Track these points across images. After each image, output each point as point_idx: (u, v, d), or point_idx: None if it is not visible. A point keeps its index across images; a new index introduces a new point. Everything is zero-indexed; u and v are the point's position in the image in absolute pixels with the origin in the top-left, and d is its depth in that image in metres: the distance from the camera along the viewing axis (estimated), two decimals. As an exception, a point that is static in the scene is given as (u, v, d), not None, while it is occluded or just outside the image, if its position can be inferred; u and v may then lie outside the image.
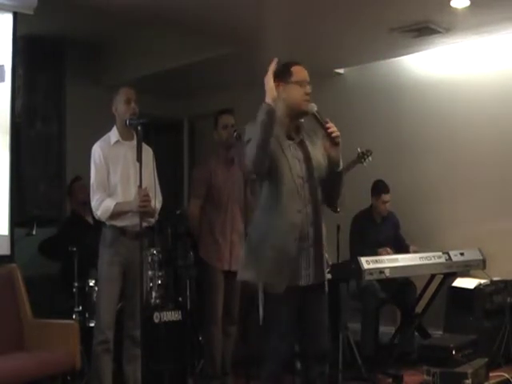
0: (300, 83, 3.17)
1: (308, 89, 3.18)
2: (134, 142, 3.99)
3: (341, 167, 3.16)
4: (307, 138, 3.23)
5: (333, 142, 3.07)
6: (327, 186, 3.19)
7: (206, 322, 4.62)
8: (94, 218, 4.31)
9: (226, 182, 4.63)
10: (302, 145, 3.20)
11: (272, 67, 3.07)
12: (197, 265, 4.90)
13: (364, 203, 5.66)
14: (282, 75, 3.17)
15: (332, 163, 3.13)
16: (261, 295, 3.15)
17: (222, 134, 4.62)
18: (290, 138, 3.18)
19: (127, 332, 4.02)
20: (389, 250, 5.30)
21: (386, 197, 5.51)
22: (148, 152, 4.12)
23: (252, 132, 3.04)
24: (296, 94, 3.16)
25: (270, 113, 2.99)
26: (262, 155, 2.98)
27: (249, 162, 3.01)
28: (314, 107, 3.14)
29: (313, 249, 3.14)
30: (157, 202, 4.02)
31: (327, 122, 3.10)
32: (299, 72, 3.20)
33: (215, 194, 4.61)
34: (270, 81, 3.05)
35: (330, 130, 3.07)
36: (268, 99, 3.04)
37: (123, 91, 4.09)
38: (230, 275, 4.59)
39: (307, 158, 3.17)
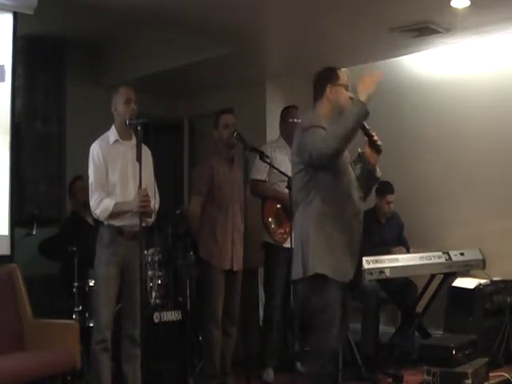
0: (346, 87, 3.40)
1: (351, 94, 3.36)
2: (133, 142, 3.99)
3: (379, 174, 3.45)
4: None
5: (377, 149, 3.37)
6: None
7: (205, 322, 4.62)
8: (94, 218, 4.31)
9: (227, 181, 4.62)
10: None
11: (381, 76, 3.25)
12: (197, 264, 4.89)
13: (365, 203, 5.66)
14: (330, 77, 3.39)
15: (370, 169, 3.40)
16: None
17: (223, 133, 4.62)
18: None
19: (126, 332, 4.02)
20: (403, 249, 5.32)
21: (390, 197, 5.53)
22: (146, 152, 4.11)
23: (315, 120, 3.25)
24: (342, 96, 3.37)
25: (366, 113, 3.18)
26: (345, 146, 3.20)
27: (330, 149, 3.14)
28: None
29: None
30: (155, 203, 4.02)
31: (370, 130, 3.35)
32: (344, 76, 3.43)
33: (216, 192, 4.59)
34: (373, 86, 3.21)
35: (375, 138, 3.36)
36: (365, 100, 3.19)
37: (122, 91, 4.09)
38: (231, 274, 4.58)
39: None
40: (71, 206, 5.59)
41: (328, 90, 3.36)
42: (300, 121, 3.48)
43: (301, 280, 3.27)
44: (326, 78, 3.39)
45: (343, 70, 3.50)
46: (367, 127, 3.35)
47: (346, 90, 3.39)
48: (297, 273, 3.30)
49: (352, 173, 3.38)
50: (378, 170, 3.43)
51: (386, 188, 5.51)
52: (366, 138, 3.39)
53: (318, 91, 3.41)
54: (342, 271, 3.25)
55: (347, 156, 3.41)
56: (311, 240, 3.23)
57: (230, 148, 4.66)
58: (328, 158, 3.18)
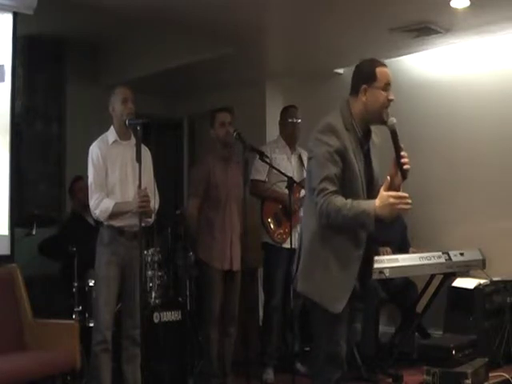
0: (384, 87, 2.97)
1: (391, 95, 2.99)
2: (132, 142, 3.99)
3: None
4: (372, 147, 3.08)
5: (403, 174, 2.93)
6: None
7: (204, 323, 4.61)
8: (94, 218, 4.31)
9: (225, 181, 4.60)
10: (367, 155, 3.05)
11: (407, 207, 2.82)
12: (196, 265, 4.89)
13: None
14: (368, 77, 2.97)
15: (392, 189, 2.91)
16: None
17: (219, 131, 4.59)
18: (360, 144, 3.01)
19: (126, 332, 4.03)
20: (388, 250, 5.31)
21: None
22: (146, 152, 4.11)
23: (329, 129, 2.93)
24: (378, 99, 2.97)
25: (369, 226, 2.88)
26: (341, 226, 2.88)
27: (327, 219, 2.83)
28: (393, 121, 2.96)
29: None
30: (155, 203, 4.02)
31: (402, 149, 2.94)
32: (384, 74, 2.98)
33: (213, 192, 4.57)
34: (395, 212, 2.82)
35: (403, 161, 2.92)
36: (380, 215, 2.82)
37: (120, 91, 4.09)
38: (230, 275, 4.58)
39: (369, 174, 3.05)
40: (72, 206, 5.59)
41: (363, 90, 2.96)
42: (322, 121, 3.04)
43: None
44: (362, 77, 2.98)
45: (385, 65, 3.00)
46: (397, 138, 2.95)
47: (385, 90, 2.96)
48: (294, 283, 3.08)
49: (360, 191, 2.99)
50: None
51: None
52: (394, 155, 2.96)
53: (354, 88, 3.01)
54: (329, 300, 2.93)
55: (360, 180, 3.00)
56: (307, 259, 2.98)
57: (226, 146, 4.61)
58: (326, 224, 2.88)
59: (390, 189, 2.86)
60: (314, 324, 3.04)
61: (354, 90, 3.02)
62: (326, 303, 2.92)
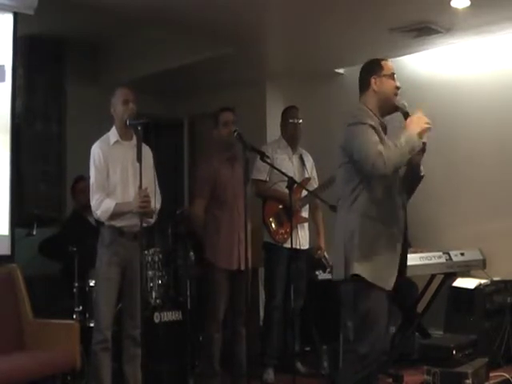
0: (391, 76, 3.28)
1: (398, 83, 3.29)
2: (134, 142, 3.98)
3: (423, 172, 3.30)
4: (389, 137, 3.25)
5: (422, 148, 3.19)
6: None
7: (206, 322, 4.58)
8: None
9: (231, 180, 4.55)
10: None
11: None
12: (199, 265, 4.87)
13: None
14: (375, 69, 3.28)
15: (414, 167, 3.27)
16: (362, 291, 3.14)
17: (223, 131, 4.56)
18: (379, 134, 3.19)
19: (127, 332, 4.02)
20: None
21: None
22: (147, 152, 4.11)
23: (361, 117, 3.15)
24: (388, 86, 3.26)
25: (420, 147, 3.14)
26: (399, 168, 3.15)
27: (386, 170, 3.04)
28: (405, 104, 3.29)
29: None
30: (156, 203, 4.01)
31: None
32: (388, 65, 3.30)
33: (220, 192, 4.54)
34: (425, 123, 3.19)
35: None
36: (419, 134, 3.15)
37: (120, 92, 4.08)
38: (237, 274, 4.52)
39: None
40: (73, 206, 5.58)
41: (373, 81, 3.25)
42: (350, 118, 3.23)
43: (342, 281, 3.17)
44: (370, 70, 3.29)
45: (387, 60, 3.34)
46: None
47: (392, 79, 3.28)
48: (338, 273, 3.20)
49: (397, 177, 3.26)
50: (421, 168, 3.30)
51: None
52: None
53: (363, 84, 3.31)
54: (383, 278, 3.14)
55: None
56: (356, 241, 3.13)
57: (230, 146, 4.57)
58: (379, 177, 3.11)
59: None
60: (366, 310, 3.13)
61: (365, 86, 3.29)
62: (379, 281, 3.11)
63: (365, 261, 3.11)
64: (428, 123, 3.19)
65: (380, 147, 3.05)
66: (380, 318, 3.16)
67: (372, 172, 3.07)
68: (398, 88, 3.28)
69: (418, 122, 3.16)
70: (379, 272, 3.12)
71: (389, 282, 3.15)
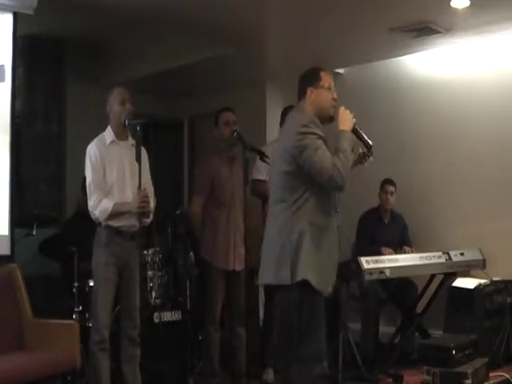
0: (328, 88, 3.33)
1: (335, 95, 3.35)
2: (130, 142, 3.98)
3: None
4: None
5: (361, 162, 3.47)
6: None
7: (205, 323, 4.59)
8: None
9: (229, 180, 4.56)
10: None
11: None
12: (198, 264, 4.87)
13: (363, 204, 5.67)
14: (312, 80, 3.32)
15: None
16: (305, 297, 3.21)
17: (224, 131, 4.55)
18: (326, 144, 3.26)
19: (125, 332, 4.01)
20: (390, 250, 5.32)
21: (389, 187, 5.57)
22: (143, 152, 4.09)
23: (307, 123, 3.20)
24: (324, 99, 3.32)
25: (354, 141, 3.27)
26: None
27: (343, 181, 3.16)
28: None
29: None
30: (152, 203, 4.01)
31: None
32: (327, 77, 3.35)
33: (219, 192, 4.54)
34: (346, 112, 3.32)
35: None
36: (346, 128, 3.29)
37: (117, 92, 4.06)
38: (234, 275, 4.53)
39: None
40: (78, 205, 5.53)
41: (309, 92, 3.31)
42: (288, 122, 3.40)
43: (283, 286, 3.22)
44: (308, 80, 3.34)
45: (327, 71, 3.40)
46: (359, 129, 3.38)
47: (328, 91, 3.33)
48: (283, 278, 3.21)
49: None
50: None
51: (385, 181, 5.62)
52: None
53: (301, 92, 3.36)
54: (328, 283, 3.27)
55: None
56: (306, 247, 3.18)
57: (231, 146, 4.58)
58: (340, 189, 3.22)
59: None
60: (309, 315, 3.19)
61: (302, 94, 3.34)
62: (324, 286, 3.22)
63: (311, 267, 3.17)
64: (352, 114, 3.31)
65: (334, 160, 3.14)
66: (323, 321, 3.24)
67: (329, 184, 3.17)
68: (335, 99, 3.34)
69: (346, 118, 3.28)
70: (324, 277, 3.23)
71: (329, 288, 3.27)
